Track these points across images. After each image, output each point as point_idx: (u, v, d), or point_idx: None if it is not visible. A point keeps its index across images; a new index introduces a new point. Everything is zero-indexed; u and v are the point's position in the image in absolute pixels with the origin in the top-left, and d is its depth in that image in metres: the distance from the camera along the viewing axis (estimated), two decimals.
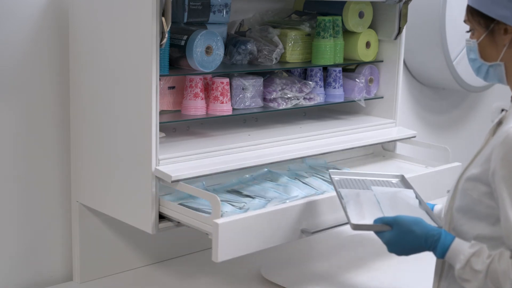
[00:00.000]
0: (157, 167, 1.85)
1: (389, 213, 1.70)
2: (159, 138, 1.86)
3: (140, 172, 1.88)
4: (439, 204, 1.88)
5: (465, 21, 1.67)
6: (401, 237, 1.60)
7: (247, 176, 2.20)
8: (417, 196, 1.84)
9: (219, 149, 2.03)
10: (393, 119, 2.55)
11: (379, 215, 1.68)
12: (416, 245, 1.60)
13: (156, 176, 1.85)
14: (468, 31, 1.67)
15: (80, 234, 2.15)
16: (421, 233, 1.59)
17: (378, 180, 1.98)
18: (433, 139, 3.41)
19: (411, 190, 1.88)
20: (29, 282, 2.15)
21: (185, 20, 2.07)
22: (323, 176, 2.24)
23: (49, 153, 2.13)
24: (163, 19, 1.79)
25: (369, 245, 2.43)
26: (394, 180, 2.00)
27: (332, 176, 1.95)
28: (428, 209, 1.76)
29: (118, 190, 1.97)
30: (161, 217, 1.90)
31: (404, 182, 1.97)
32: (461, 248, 1.54)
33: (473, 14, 1.63)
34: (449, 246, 1.56)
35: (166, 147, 1.97)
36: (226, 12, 2.15)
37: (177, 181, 1.85)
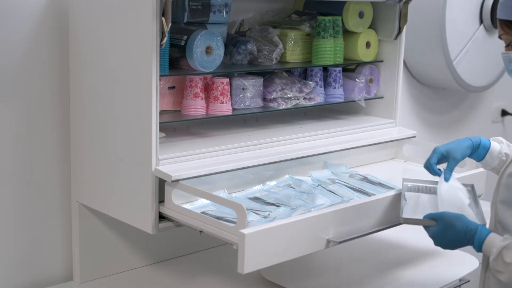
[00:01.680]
0: (157, 167, 1.85)
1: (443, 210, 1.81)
2: (159, 138, 1.86)
3: (140, 172, 1.88)
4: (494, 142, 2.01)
5: (500, 37, 1.74)
6: (445, 232, 1.72)
7: (269, 182, 2.18)
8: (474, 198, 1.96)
9: (219, 149, 2.03)
10: (393, 119, 2.55)
11: (432, 211, 1.80)
12: (458, 239, 1.71)
13: (156, 176, 1.85)
14: (506, 46, 1.74)
15: (80, 234, 2.15)
16: (461, 228, 1.70)
17: None
18: (433, 139, 3.41)
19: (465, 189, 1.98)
20: (29, 282, 2.15)
21: (185, 20, 2.07)
22: (347, 183, 2.22)
23: (49, 153, 2.13)
24: (163, 19, 1.79)
25: (370, 246, 2.43)
26: (465, 188, 2.05)
27: (404, 182, 2.08)
28: (481, 211, 1.86)
29: (118, 190, 1.97)
30: (161, 217, 1.90)
31: (473, 192, 2.04)
32: (494, 242, 1.65)
33: (509, 26, 1.70)
34: (484, 239, 1.67)
35: (166, 147, 1.97)
36: (226, 12, 2.15)
37: (177, 181, 1.84)
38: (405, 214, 1.82)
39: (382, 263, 2.32)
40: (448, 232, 1.72)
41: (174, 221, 1.89)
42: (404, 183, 2.08)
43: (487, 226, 1.78)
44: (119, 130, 1.93)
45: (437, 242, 1.76)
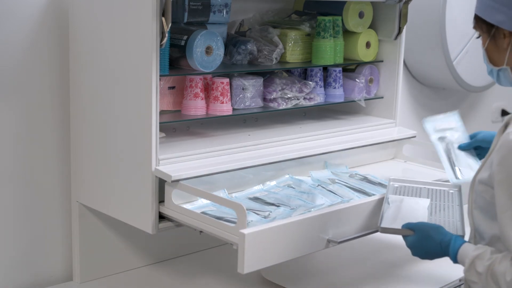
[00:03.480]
0: (157, 167, 1.85)
1: (423, 220, 1.81)
2: (159, 138, 1.86)
3: (140, 172, 1.88)
4: None
5: (474, 28, 1.77)
6: (422, 242, 1.70)
7: (269, 182, 2.18)
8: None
9: (219, 149, 2.03)
10: (393, 119, 2.55)
11: (412, 221, 1.78)
12: (434, 250, 1.69)
13: (156, 176, 1.85)
14: (477, 38, 1.77)
15: (80, 234, 2.15)
16: (437, 238, 1.68)
17: (436, 189, 2.07)
18: None
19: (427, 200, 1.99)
20: (29, 282, 2.15)
21: (185, 20, 2.07)
22: (347, 183, 2.22)
23: (49, 153, 2.13)
24: (163, 19, 1.79)
25: (370, 246, 2.43)
26: (452, 190, 2.08)
27: (391, 182, 2.06)
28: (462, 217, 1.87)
29: (118, 190, 1.97)
30: (161, 217, 1.90)
31: (460, 192, 2.05)
32: (466, 252, 1.62)
33: (477, 20, 1.73)
34: (457, 250, 1.64)
35: (166, 147, 1.97)
36: (226, 12, 2.15)
37: (177, 181, 1.84)
38: (384, 223, 1.80)
39: (382, 263, 2.32)
40: (425, 242, 1.70)
41: (174, 221, 1.89)
42: (391, 183, 2.07)
43: (468, 235, 1.76)
44: (119, 130, 1.93)
45: (414, 252, 1.74)
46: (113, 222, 2.15)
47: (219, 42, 2.03)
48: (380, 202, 1.94)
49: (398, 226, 1.76)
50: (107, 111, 1.97)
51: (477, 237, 1.71)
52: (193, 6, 2.07)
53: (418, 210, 1.88)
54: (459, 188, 2.09)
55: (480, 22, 1.72)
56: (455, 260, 1.66)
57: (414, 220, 1.78)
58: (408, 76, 3.22)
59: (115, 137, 1.95)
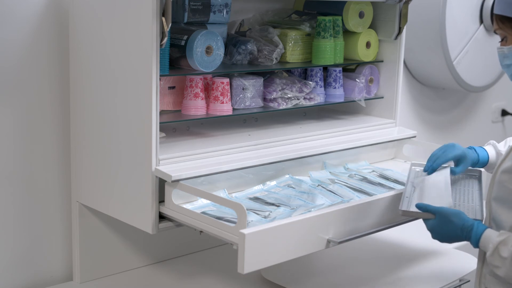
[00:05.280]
0: (157, 167, 1.85)
1: (449, 199, 1.86)
2: (159, 138, 1.86)
3: (140, 172, 1.88)
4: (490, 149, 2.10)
5: (495, 31, 1.78)
6: (442, 226, 1.75)
7: (269, 182, 2.18)
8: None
9: (219, 149, 2.03)
10: (393, 119, 2.55)
11: (437, 200, 1.84)
12: (455, 235, 1.75)
13: (156, 176, 1.85)
14: (500, 41, 1.77)
15: (80, 234, 2.15)
16: (458, 224, 1.73)
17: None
18: (433, 139, 3.41)
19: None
20: (29, 282, 2.15)
21: (185, 20, 2.07)
22: (347, 183, 2.22)
23: (49, 153, 2.13)
24: (163, 19, 1.79)
25: (370, 246, 2.43)
26: (473, 175, 2.15)
27: (412, 167, 2.16)
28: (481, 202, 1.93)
29: (118, 190, 1.97)
30: (161, 217, 1.90)
31: (480, 178, 2.12)
32: (490, 237, 1.68)
33: (503, 21, 1.73)
34: (481, 235, 1.70)
35: (166, 147, 1.97)
36: (226, 12, 2.15)
37: (177, 181, 1.84)
38: (403, 206, 1.83)
39: (382, 263, 2.32)
40: (445, 227, 1.75)
41: (174, 221, 1.89)
42: (412, 167, 2.13)
43: (483, 222, 1.80)
44: (119, 130, 1.93)
45: (434, 236, 1.79)
46: (113, 222, 2.15)
47: (219, 42, 2.03)
48: (381, 202, 1.94)
49: (416, 209, 1.80)
50: (107, 111, 1.97)
51: (493, 227, 1.76)
52: (193, 6, 2.07)
53: (440, 187, 1.92)
54: (479, 173, 2.15)
55: (508, 22, 1.72)
56: (476, 245, 1.71)
57: (439, 199, 1.83)
58: (408, 76, 3.22)
59: (115, 137, 1.95)
